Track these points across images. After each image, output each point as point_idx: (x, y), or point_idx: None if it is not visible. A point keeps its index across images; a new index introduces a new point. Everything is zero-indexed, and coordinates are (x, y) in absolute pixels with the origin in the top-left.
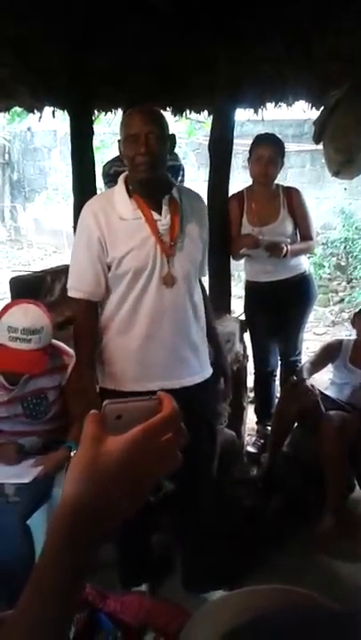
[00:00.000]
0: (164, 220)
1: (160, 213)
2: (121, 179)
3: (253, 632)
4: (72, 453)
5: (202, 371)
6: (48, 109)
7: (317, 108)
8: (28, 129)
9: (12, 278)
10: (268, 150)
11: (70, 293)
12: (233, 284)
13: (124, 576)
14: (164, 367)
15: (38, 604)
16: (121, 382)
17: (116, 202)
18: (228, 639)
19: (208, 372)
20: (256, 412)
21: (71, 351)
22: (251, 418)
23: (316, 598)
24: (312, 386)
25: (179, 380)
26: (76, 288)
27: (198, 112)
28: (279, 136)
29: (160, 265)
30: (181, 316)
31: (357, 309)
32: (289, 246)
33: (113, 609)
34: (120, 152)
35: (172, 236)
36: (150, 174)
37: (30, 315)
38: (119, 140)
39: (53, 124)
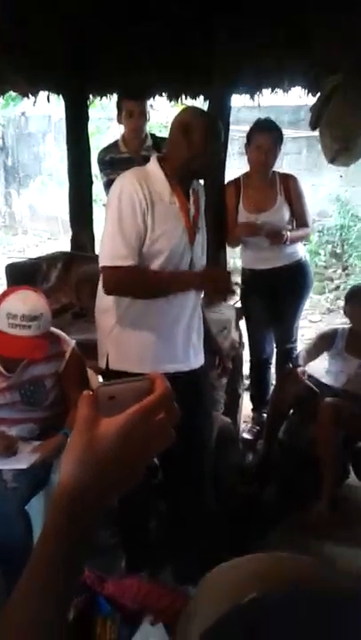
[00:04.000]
0: (191, 208)
1: (189, 201)
2: (155, 162)
3: (256, 612)
4: (69, 439)
5: (202, 352)
6: (43, 94)
7: (314, 95)
8: (23, 114)
9: (8, 265)
10: (268, 139)
11: (117, 262)
12: None
13: (130, 560)
14: (180, 350)
15: (38, 587)
16: (138, 365)
17: (153, 182)
18: (236, 613)
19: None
20: (252, 399)
21: (68, 338)
22: (246, 405)
23: (320, 569)
24: (304, 373)
25: (189, 363)
26: (126, 256)
27: (194, 98)
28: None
29: (187, 251)
30: (197, 299)
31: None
32: (288, 233)
33: (112, 592)
34: (178, 142)
35: (195, 224)
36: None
37: (29, 301)
38: (185, 131)
39: (48, 109)
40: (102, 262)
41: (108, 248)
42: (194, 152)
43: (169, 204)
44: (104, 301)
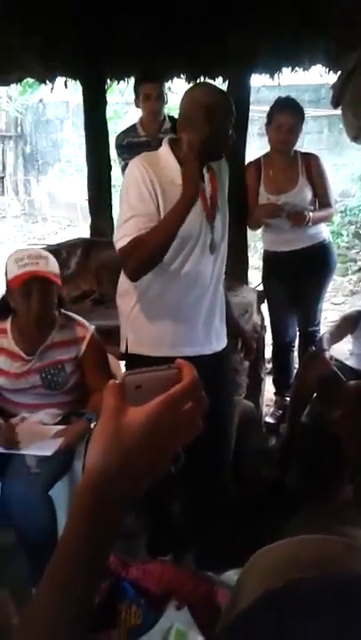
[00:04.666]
0: (207, 187)
1: (203, 181)
2: (167, 145)
3: (293, 596)
4: (92, 425)
5: (225, 335)
6: (60, 80)
7: (335, 72)
8: (40, 101)
9: None
10: (290, 118)
11: (127, 240)
12: (250, 254)
13: (152, 544)
14: (201, 332)
15: (65, 573)
16: (157, 348)
17: (164, 166)
18: (268, 598)
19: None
20: (274, 382)
21: (87, 323)
22: (269, 389)
23: (355, 549)
24: (331, 357)
25: (211, 346)
26: (135, 233)
27: (213, 78)
28: None
29: (205, 231)
30: (218, 281)
31: None
32: (311, 214)
33: (136, 577)
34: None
35: (213, 203)
36: None
37: (33, 249)
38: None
39: (65, 95)
40: (116, 247)
41: (120, 231)
42: (212, 133)
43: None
44: (124, 286)
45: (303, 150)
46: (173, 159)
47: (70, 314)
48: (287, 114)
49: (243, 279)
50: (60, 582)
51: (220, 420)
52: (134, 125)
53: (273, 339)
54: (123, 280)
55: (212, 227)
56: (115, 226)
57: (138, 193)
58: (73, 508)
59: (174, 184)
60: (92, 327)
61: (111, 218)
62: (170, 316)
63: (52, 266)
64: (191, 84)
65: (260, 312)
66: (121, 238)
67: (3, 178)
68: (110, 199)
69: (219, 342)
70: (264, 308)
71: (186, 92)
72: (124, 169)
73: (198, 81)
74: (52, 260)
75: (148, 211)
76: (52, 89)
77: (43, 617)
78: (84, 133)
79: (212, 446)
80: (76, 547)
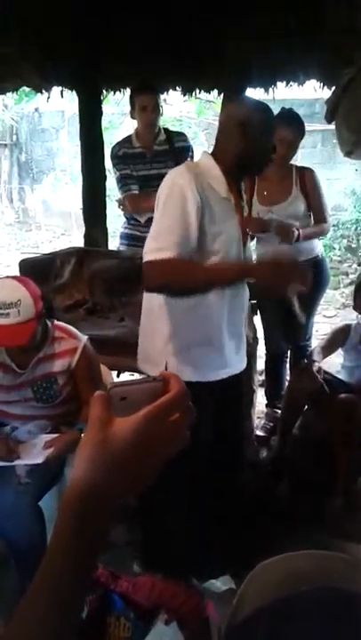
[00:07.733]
0: (245, 206)
1: (242, 199)
2: (209, 157)
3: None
4: (82, 435)
5: (245, 353)
6: (56, 89)
7: (329, 87)
8: (36, 109)
9: (22, 260)
10: (291, 134)
11: (156, 256)
12: None
13: (145, 557)
14: (235, 353)
15: (51, 584)
16: (200, 374)
17: (209, 177)
18: (260, 614)
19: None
20: (267, 394)
21: (80, 334)
22: (260, 401)
23: (349, 563)
24: (319, 370)
25: (242, 365)
26: (166, 248)
27: (208, 91)
28: None
29: (240, 249)
30: (247, 300)
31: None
32: (301, 230)
33: (125, 590)
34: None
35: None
36: None
37: (6, 288)
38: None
39: (61, 105)
40: (146, 256)
41: (154, 242)
42: (251, 147)
43: (226, 200)
44: (155, 309)
45: (298, 164)
46: (218, 170)
47: (63, 325)
48: (290, 130)
49: None
50: (47, 592)
51: (242, 428)
52: (130, 136)
53: (266, 350)
54: (152, 301)
55: (245, 249)
56: (113, 233)
57: (180, 203)
58: (59, 518)
59: (219, 196)
60: (85, 337)
61: (105, 227)
62: (212, 340)
63: (26, 310)
64: (186, 97)
65: (252, 324)
66: (155, 250)
67: None
68: (105, 209)
69: (244, 358)
70: (256, 319)
71: (224, 104)
72: (118, 179)
73: (194, 93)
74: (26, 302)
75: (185, 223)
76: (48, 98)
77: (29, 628)
78: (79, 143)
79: (233, 451)
80: (62, 556)
